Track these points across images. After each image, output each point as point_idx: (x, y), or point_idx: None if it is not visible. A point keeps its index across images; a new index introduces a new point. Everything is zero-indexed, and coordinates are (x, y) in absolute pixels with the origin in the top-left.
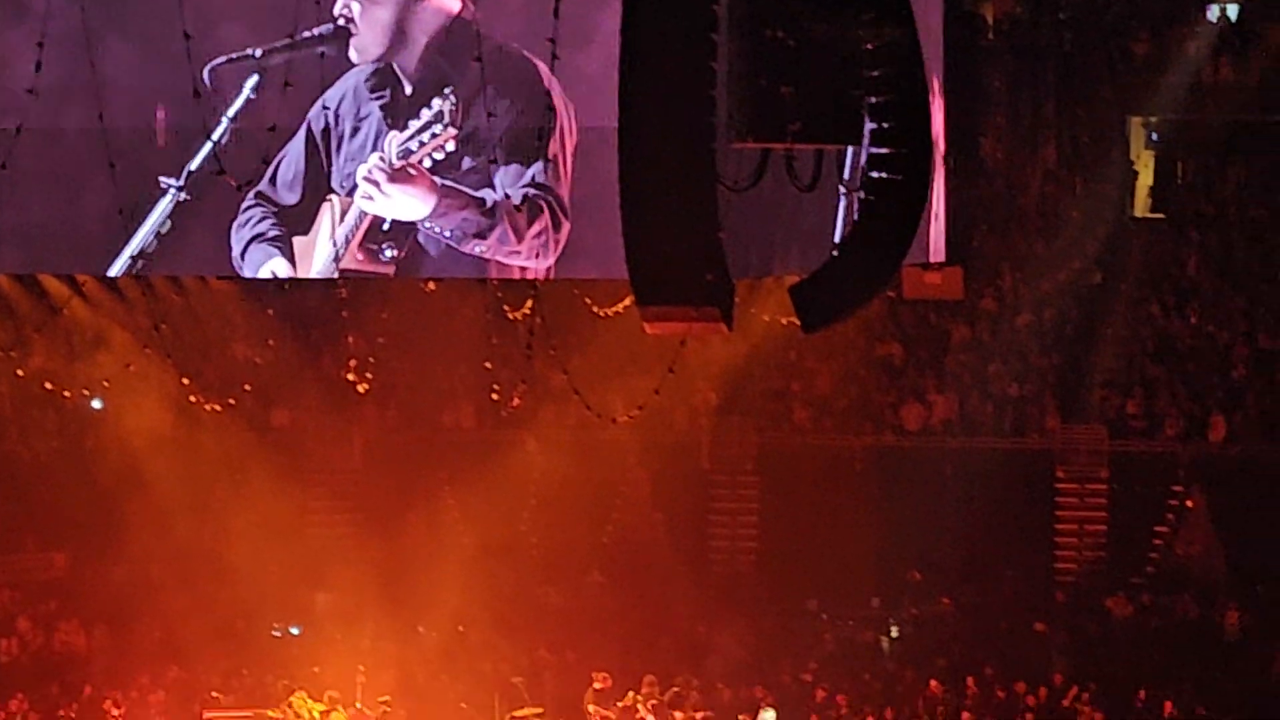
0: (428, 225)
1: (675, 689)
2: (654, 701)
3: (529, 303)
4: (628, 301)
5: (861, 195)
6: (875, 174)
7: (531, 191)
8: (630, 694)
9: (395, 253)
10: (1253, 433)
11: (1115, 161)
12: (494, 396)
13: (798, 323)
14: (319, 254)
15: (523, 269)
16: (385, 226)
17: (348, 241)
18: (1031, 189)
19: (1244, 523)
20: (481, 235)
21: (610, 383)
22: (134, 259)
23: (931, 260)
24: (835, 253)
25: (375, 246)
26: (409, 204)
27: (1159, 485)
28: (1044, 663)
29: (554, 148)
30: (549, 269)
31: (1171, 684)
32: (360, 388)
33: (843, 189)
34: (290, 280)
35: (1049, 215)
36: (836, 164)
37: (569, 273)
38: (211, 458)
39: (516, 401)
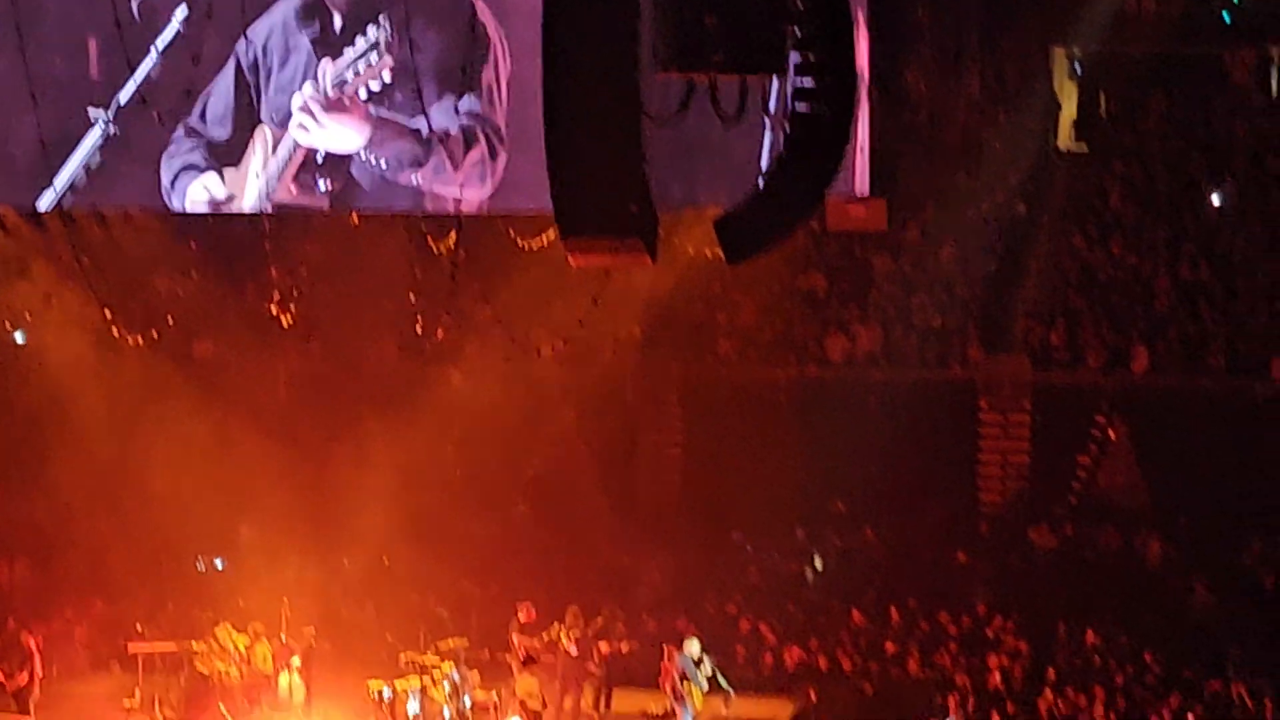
0: (362, 157)
1: (600, 620)
2: (577, 633)
3: (453, 235)
4: (552, 234)
5: (786, 127)
6: (799, 106)
7: (466, 121)
8: (555, 625)
9: (330, 185)
10: (1175, 364)
11: (1038, 93)
12: (418, 330)
13: (722, 255)
14: (251, 187)
15: (459, 200)
16: (319, 159)
17: (281, 174)
18: (955, 121)
19: (1166, 453)
20: (417, 165)
21: (535, 315)
22: (63, 192)
23: (855, 192)
24: (759, 185)
25: (309, 179)
26: (344, 135)
27: (1082, 416)
28: (967, 593)
29: (488, 77)
30: (486, 199)
31: (1094, 614)
32: (284, 321)
33: (767, 121)
34: (214, 213)
35: (972, 147)
36: (761, 96)
37: (506, 203)
38: (134, 390)
39: (441, 335)
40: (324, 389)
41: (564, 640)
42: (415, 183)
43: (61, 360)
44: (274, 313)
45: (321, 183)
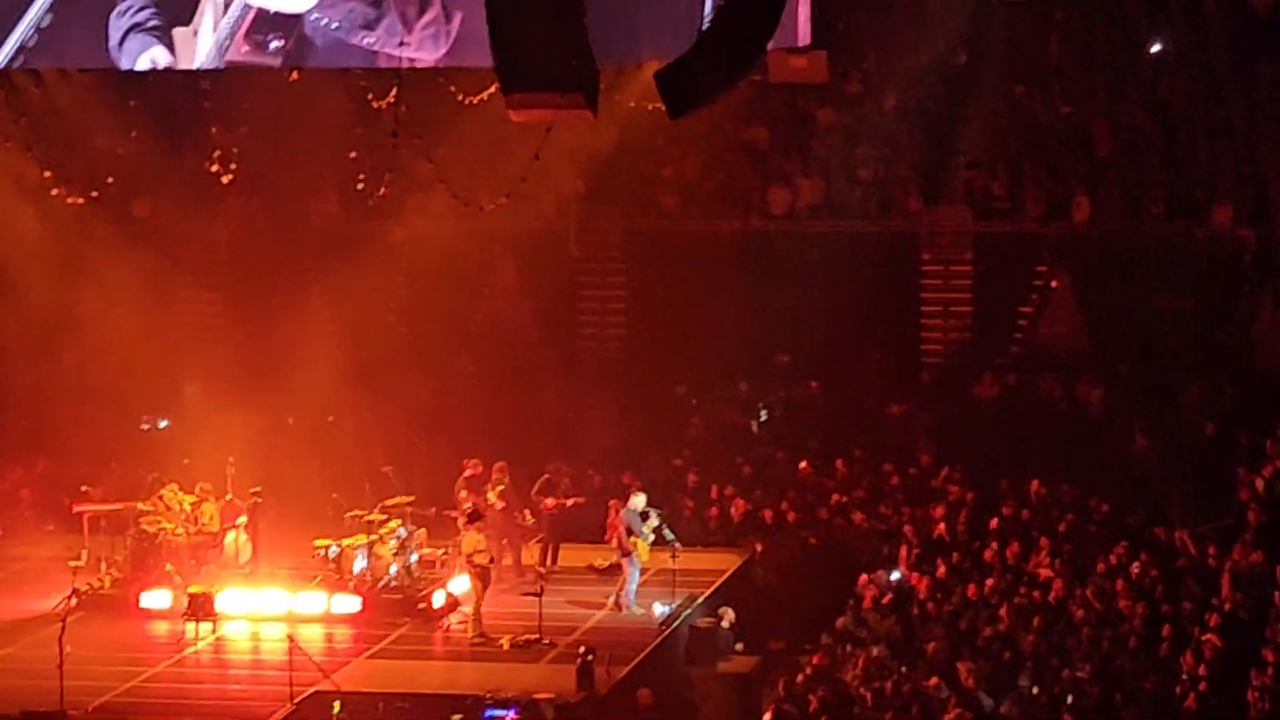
0: (314, 16)
1: (546, 476)
2: (501, 487)
3: (394, 91)
4: (493, 89)
5: None
6: None
7: None
8: (494, 480)
9: (281, 44)
10: (1115, 212)
11: None
12: (360, 186)
13: (664, 108)
14: (202, 45)
15: (412, 60)
16: (271, 16)
17: (233, 33)
18: None
19: (1107, 302)
20: (369, 27)
21: (477, 171)
22: (12, 53)
23: (797, 43)
24: (700, 37)
25: (261, 38)
26: None
27: (1023, 265)
28: (911, 444)
29: None
30: (442, 59)
31: (1037, 462)
32: (224, 179)
33: None
34: (152, 71)
35: None
36: None
37: (462, 62)
38: (75, 251)
39: (383, 191)
40: (266, 246)
41: (491, 496)
42: (367, 44)
43: (1, 221)
44: (214, 170)
45: (274, 42)
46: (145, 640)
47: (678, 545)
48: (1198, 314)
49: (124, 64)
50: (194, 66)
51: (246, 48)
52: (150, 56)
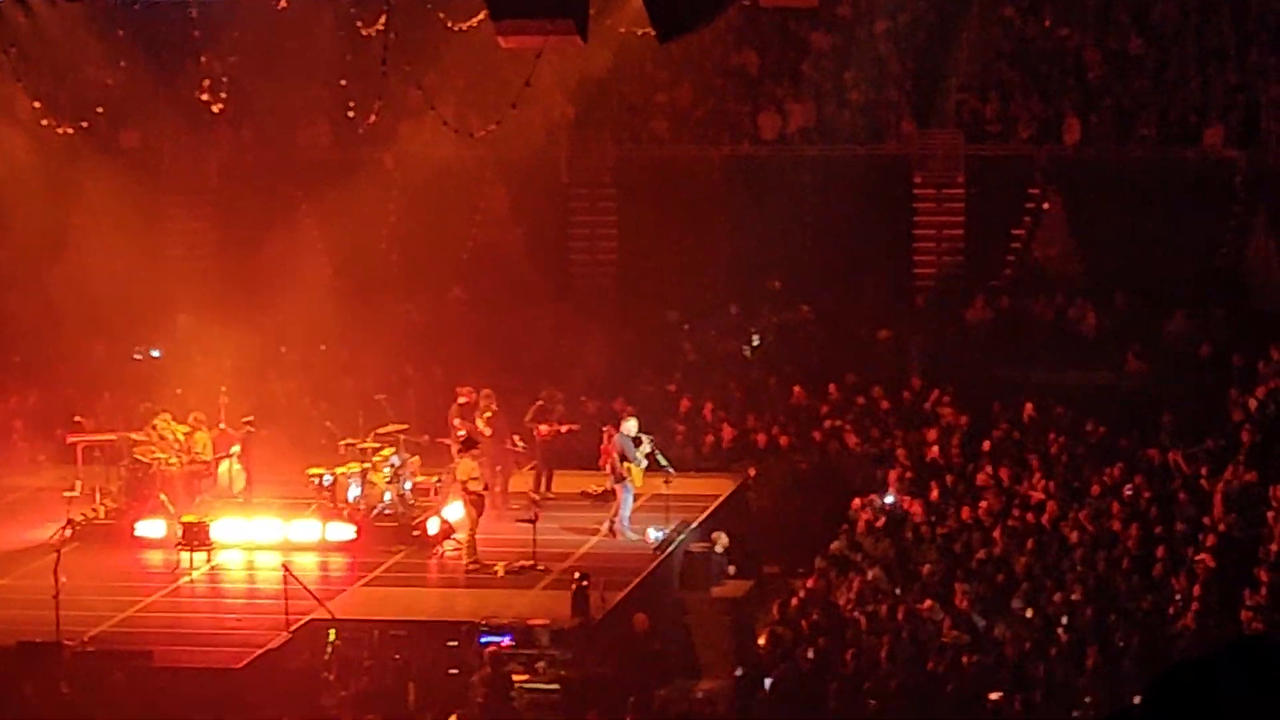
0: None
1: (540, 402)
2: (489, 414)
3: (382, 18)
4: (482, 15)
5: None
6: None
7: None
8: (486, 407)
9: None
10: (1106, 134)
11: None
12: (350, 114)
13: (654, 33)
14: None
15: None
16: None
17: None
18: None
19: (1100, 224)
20: None
21: (466, 97)
22: None
23: None
24: None
25: None
26: None
27: (1015, 188)
28: (903, 368)
29: None
30: None
31: (1030, 386)
32: (214, 108)
33: None
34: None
35: None
36: None
37: None
38: (65, 181)
39: (373, 119)
40: (257, 175)
41: (480, 424)
42: None
43: None
44: (204, 99)
45: None
46: (140, 570)
47: (671, 471)
48: (1190, 236)
49: None
50: None
51: None
52: None
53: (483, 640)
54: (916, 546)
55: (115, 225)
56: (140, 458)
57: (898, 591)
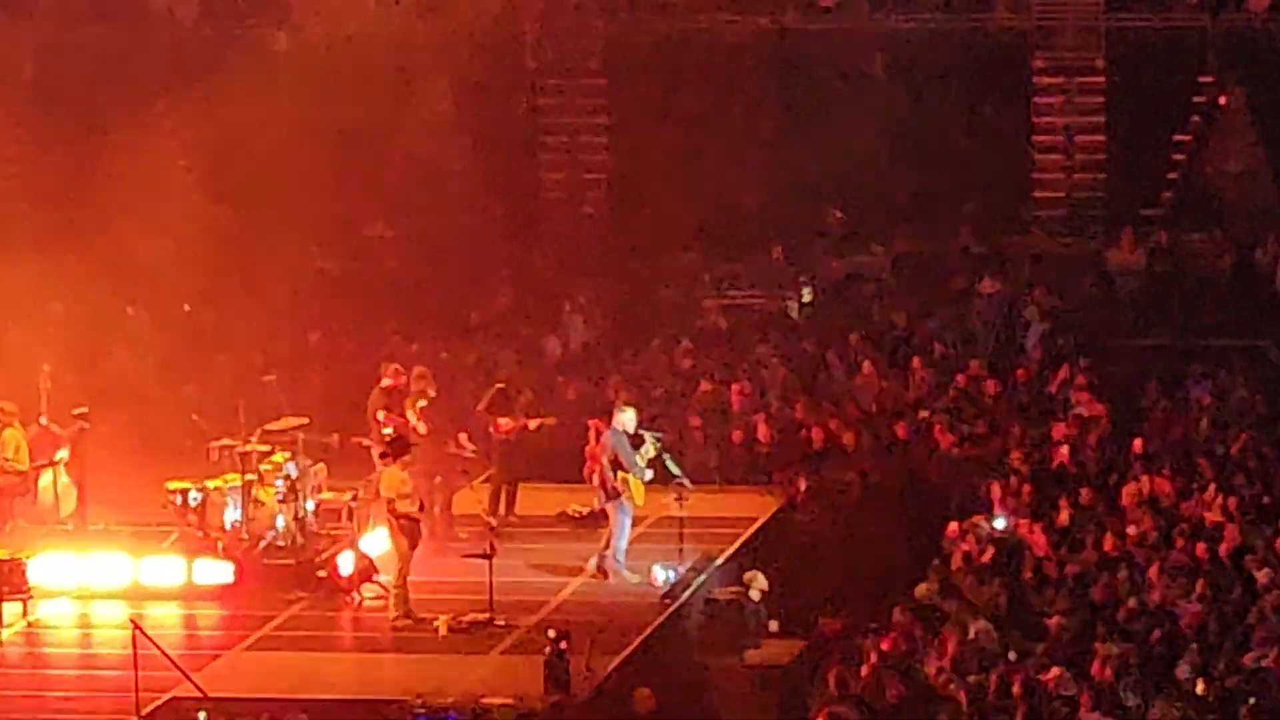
0: None
1: (499, 386)
2: (424, 402)
3: None
4: None
5: None
6: None
7: None
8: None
9: None
10: None
11: None
12: None
13: None
14: None
15: None
16: None
17: None
18: None
19: None
20: None
21: None
22: None
23: None
24: None
25: None
26: None
27: (1178, 75)
28: (1017, 334)
29: None
30: None
31: (1200, 359)
32: None
33: None
34: None
35: None
36: None
37: None
38: None
39: None
40: (91, 63)
41: (411, 416)
42: None
43: None
44: None
45: None
46: None
47: (685, 483)
48: None
49: None
50: None
51: None
52: None
53: None
54: (1038, 591)
55: None
56: None
57: (1012, 655)
